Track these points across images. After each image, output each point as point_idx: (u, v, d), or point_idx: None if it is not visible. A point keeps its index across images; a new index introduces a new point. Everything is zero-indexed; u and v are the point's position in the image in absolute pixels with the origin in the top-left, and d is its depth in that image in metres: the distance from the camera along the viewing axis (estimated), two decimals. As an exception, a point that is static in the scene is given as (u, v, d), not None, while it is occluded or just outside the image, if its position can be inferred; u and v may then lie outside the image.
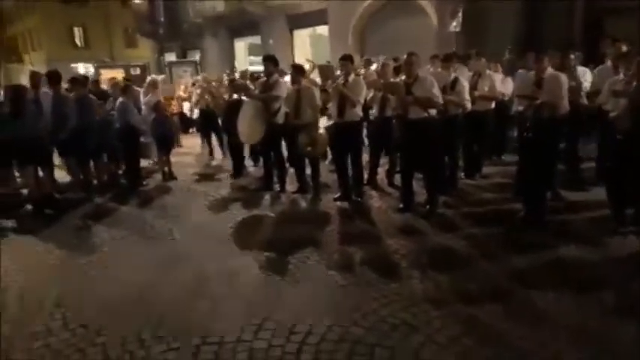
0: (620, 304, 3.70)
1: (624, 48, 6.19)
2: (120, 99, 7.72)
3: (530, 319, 3.53)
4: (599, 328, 3.38)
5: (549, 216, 5.40)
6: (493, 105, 7.26)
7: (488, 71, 7.22)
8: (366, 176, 6.91)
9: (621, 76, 5.12)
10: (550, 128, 5.03)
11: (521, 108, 5.21)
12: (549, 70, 5.17)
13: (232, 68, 15.37)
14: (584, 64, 7.12)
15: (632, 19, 9.25)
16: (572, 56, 6.44)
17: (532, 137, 5.09)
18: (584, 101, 6.16)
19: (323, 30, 16.94)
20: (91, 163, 7.85)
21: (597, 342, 3.24)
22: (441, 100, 5.68)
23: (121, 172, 8.35)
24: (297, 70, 6.87)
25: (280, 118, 6.94)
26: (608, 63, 6.42)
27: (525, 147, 5.28)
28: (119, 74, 13.95)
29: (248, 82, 8.23)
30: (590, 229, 5.19)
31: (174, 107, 11.60)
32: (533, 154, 5.12)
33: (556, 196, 5.96)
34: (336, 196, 6.56)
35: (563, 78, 5.19)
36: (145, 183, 8.06)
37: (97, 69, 17.20)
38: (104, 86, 10.36)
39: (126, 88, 7.99)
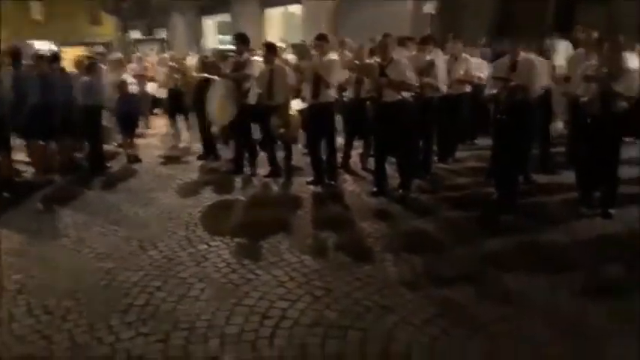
0: (588, 284, 3.78)
1: (595, 34, 6.27)
2: (84, 77, 7.40)
3: (502, 301, 3.57)
4: (569, 309, 3.45)
5: (521, 199, 5.47)
6: (469, 89, 7.27)
7: (464, 55, 7.22)
8: (339, 159, 6.84)
9: (593, 61, 5.17)
10: (523, 111, 5.05)
11: (494, 91, 5.21)
12: (523, 54, 5.18)
13: (199, 46, 14.97)
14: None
15: (602, 6, 9.41)
16: (547, 41, 6.47)
17: (505, 120, 5.11)
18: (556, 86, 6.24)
19: (295, 9, 16.67)
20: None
21: (567, 322, 3.30)
22: (415, 83, 5.63)
23: (81, 154, 8.03)
24: (270, 49, 6.69)
25: (252, 99, 6.78)
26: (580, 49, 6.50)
27: (499, 130, 5.30)
28: (81, 52, 13.38)
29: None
30: (561, 211, 5.30)
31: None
32: (507, 137, 5.15)
33: (527, 179, 6.04)
34: (309, 179, 6.48)
35: (538, 62, 5.21)
36: (108, 165, 7.79)
37: (57, 46, 16.48)
38: (65, 64, 9.91)
39: (91, 66, 7.64)
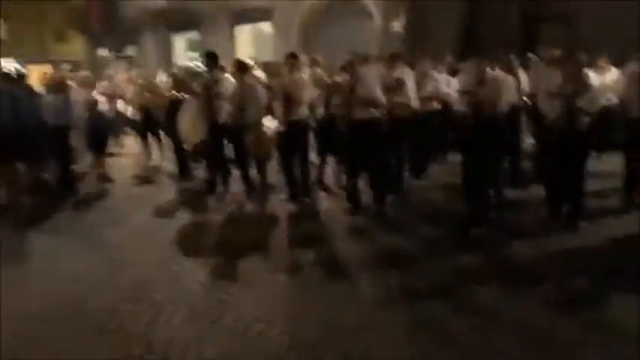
0: (557, 296, 3.87)
1: (558, 52, 6.50)
2: (52, 96, 7.25)
3: (475, 313, 3.63)
4: (539, 320, 3.52)
5: (492, 213, 5.57)
6: (437, 105, 7.38)
7: (433, 72, 7.35)
8: (313, 176, 6.86)
9: (556, 79, 5.34)
10: (491, 126, 5.17)
11: (462, 107, 5.32)
12: (490, 71, 5.32)
13: (171, 64, 14.90)
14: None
15: (565, 25, 9.78)
16: (512, 57, 6.65)
17: (474, 135, 5.22)
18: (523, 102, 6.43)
19: (265, 27, 16.79)
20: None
21: (537, 333, 3.37)
22: (383, 101, 5.71)
23: (49, 175, 7.83)
24: (241, 67, 6.70)
25: (223, 117, 6.75)
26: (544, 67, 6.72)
27: (468, 145, 5.41)
28: (48, 70, 13.13)
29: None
30: (530, 224, 5.42)
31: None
32: (476, 152, 5.26)
33: (498, 193, 6.16)
34: (284, 197, 6.47)
35: (504, 78, 5.35)
36: (78, 186, 7.61)
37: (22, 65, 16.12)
38: (32, 83, 9.70)
39: (59, 85, 7.50)
